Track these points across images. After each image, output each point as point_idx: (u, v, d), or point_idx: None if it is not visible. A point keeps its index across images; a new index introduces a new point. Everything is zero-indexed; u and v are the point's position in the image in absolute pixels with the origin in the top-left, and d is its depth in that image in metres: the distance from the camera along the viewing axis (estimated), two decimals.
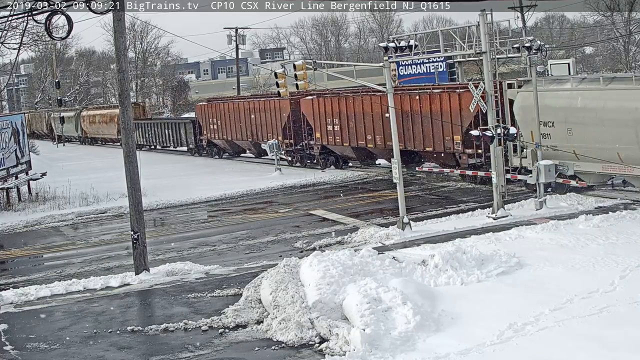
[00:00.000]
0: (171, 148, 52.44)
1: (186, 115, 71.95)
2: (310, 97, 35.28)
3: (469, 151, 26.79)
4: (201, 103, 47.33)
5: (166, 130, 51.60)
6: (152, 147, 55.27)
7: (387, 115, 23.74)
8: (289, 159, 37.88)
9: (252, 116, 40.01)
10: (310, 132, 35.93)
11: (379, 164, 34.00)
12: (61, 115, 69.85)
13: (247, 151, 43.65)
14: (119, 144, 47.52)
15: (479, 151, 26.27)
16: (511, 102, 25.01)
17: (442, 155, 28.33)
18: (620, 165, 21.75)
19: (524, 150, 24.44)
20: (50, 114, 76.29)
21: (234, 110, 42.06)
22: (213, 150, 46.29)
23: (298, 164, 37.44)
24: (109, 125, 60.64)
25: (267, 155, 37.66)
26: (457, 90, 27.08)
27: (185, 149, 49.65)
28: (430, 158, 29.62)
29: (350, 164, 35.33)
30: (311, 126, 35.60)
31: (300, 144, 36.93)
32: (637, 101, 20.87)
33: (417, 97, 28.97)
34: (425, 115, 28.11)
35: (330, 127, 34.00)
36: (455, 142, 27.23)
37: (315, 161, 36.13)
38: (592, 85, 23.12)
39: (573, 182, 23.06)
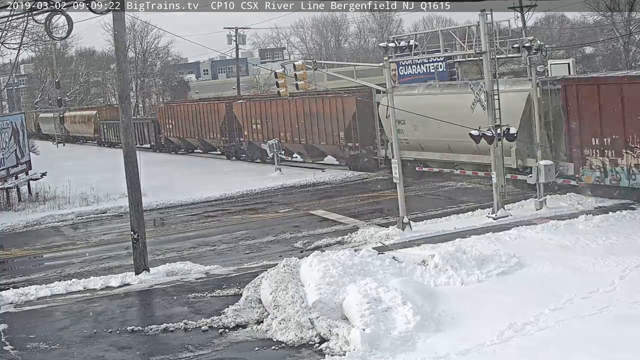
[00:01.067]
0: (137, 145, 55.75)
1: None
2: (240, 102, 43.05)
3: (350, 144, 33.70)
4: (161, 106, 54.77)
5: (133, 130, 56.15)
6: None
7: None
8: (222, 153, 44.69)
9: (198, 117, 46.78)
10: (240, 131, 42.31)
11: (296, 156, 39.26)
12: (47, 116, 78.47)
13: (197, 148, 49.51)
14: (95, 141, 64.13)
15: (357, 144, 33.23)
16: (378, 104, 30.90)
17: (333, 147, 35.09)
18: (451, 154, 27.20)
19: (387, 142, 29.71)
20: (38, 114, 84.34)
21: (184, 112, 49.07)
22: (170, 147, 52.19)
23: (233, 158, 43.55)
24: (87, 125, 67.59)
25: (215, 150, 45.95)
26: (342, 96, 34.09)
27: (148, 145, 55.14)
28: (327, 151, 36.39)
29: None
30: (241, 126, 42.04)
31: (234, 141, 43.39)
32: (461, 103, 23.98)
33: (315, 101, 35.64)
34: (320, 115, 35.02)
35: (254, 127, 40.45)
36: (340, 137, 34.00)
37: (244, 155, 42.34)
38: (431, 91, 28.68)
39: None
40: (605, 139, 21.92)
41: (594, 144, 22.25)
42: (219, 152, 46.39)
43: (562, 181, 23.27)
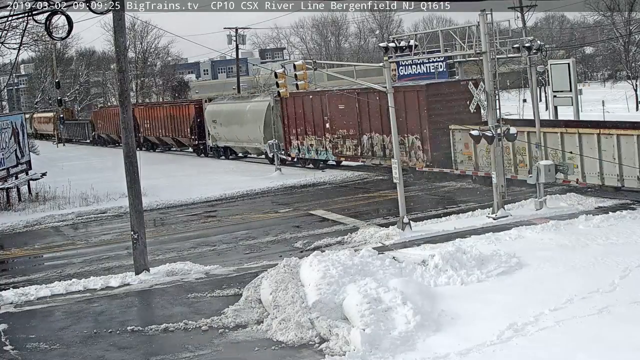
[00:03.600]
0: (79, 140, 72.90)
1: None
2: (206, 104, 47.58)
3: (193, 137, 48.07)
4: (140, 107, 59.07)
5: None
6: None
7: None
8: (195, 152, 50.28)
9: (171, 118, 51.54)
10: (208, 131, 47.18)
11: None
12: (40, 116, 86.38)
13: (173, 146, 54.03)
14: (55, 138, 74.27)
15: (195, 136, 47.86)
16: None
17: (185, 140, 49.82)
18: (240, 142, 42.29)
19: (210, 135, 45.54)
20: (32, 114, 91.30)
21: (159, 112, 53.63)
22: (148, 145, 56.33)
23: (202, 155, 48.23)
24: (49, 124, 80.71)
25: (187, 148, 51.15)
26: (191, 103, 50.11)
27: (88, 141, 66.88)
28: (184, 144, 50.77)
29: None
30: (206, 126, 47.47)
31: (202, 140, 47.91)
32: (260, 108, 39.32)
33: (172, 106, 52.11)
34: (178, 117, 49.85)
35: (215, 127, 45.92)
36: (188, 132, 48.63)
37: (211, 153, 47.01)
38: (229, 101, 45.50)
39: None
40: (299, 129, 36.33)
41: (294, 132, 36.64)
42: (191, 150, 50.71)
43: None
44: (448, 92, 27.24)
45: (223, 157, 44.97)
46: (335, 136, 33.99)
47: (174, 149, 54.16)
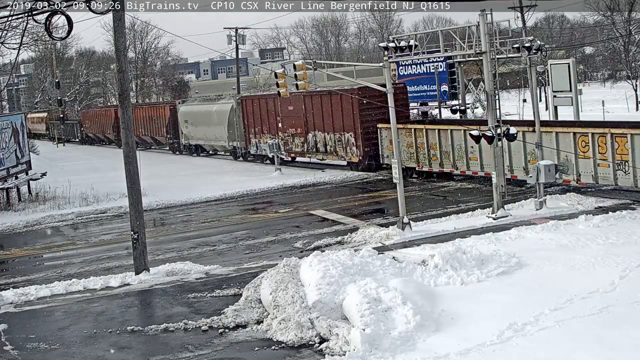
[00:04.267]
0: (68, 139, 77.21)
1: None
2: (179, 105, 50.95)
3: (169, 136, 51.64)
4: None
5: None
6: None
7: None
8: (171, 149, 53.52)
9: (149, 118, 54.90)
10: (181, 130, 50.61)
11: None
12: (34, 116, 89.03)
13: (152, 145, 57.22)
14: (47, 137, 79.97)
15: (170, 135, 51.54)
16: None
17: (162, 139, 53.48)
18: (209, 140, 46.45)
19: (182, 134, 49.65)
20: (26, 115, 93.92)
21: (139, 113, 55.31)
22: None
23: (177, 152, 51.73)
24: (42, 124, 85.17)
25: (165, 146, 54.30)
26: (166, 105, 54.44)
27: (77, 139, 72.54)
28: (161, 142, 54.27)
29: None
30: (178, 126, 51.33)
31: (176, 138, 51.05)
32: (224, 109, 43.69)
33: (150, 107, 57.06)
34: (156, 117, 53.50)
35: (187, 127, 49.57)
36: (164, 131, 52.45)
37: (185, 151, 50.44)
38: (199, 102, 50.01)
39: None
40: (257, 129, 40.47)
41: (253, 131, 40.84)
42: (167, 148, 54.10)
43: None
44: (378, 94, 27.68)
45: (195, 154, 48.86)
46: (286, 134, 37.82)
47: (154, 147, 57.19)
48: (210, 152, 47.98)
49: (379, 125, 31.50)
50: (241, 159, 42.63)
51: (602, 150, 22.48)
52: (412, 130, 29.68)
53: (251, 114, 40.81)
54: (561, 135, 23.64)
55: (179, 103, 51.53)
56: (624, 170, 21.91)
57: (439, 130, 28.55)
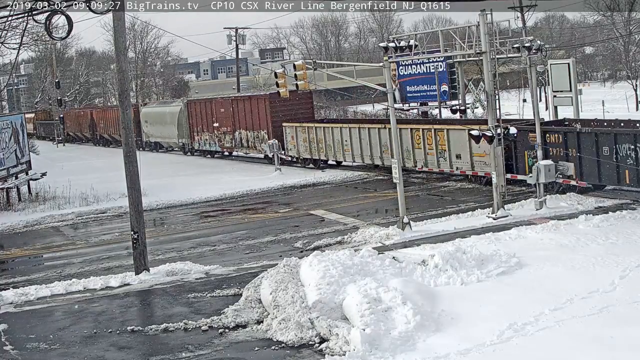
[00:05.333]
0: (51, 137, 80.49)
1: None
2: (141, 107, 56.06)
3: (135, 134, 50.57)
4: (97, 109, 70.80)
5: None
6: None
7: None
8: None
9: (117, 118, 57.60)
10: (142, 129, 55.30)
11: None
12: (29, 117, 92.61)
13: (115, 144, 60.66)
14: (35, 136, 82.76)
15: (135, 134, 50.51)
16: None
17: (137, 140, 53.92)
18: (170, 141, 51.99)
19: (145, 133, 55.10)
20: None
21: (110, 114, 62.02)
22: (103, 141, 65.96)
23: (141, 149, 50.84)
24: (29, 124, 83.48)
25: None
26: (132, 107, 51.14)
27: (60, 138, 74.40)
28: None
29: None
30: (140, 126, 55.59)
31: (139, 137, 53.90)
32: (174, 111, 49.80)
33: (118, 109, 58.22)
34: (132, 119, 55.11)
35: (147, 127, 55.19)
36: (142, 132, 55.11)
37: (147, 148, 54.48)
38: (157, 105, 56.39)
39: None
40: (199, 127, 46.62)
41: (196, 130, 47.02)
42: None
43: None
44: (285, 98, 30.93)
45: (155, 150, 54.58)
46: (220, 132, 44.38)
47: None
48: (168, 148, 53.96)
49: (284, 124, 37.86)
50: (189, 153, 49.12)
51: (429, 142, 28.73)
52: (306, 128, 36.47)
53: (195, 115, 47.24)
54: (403, 131, 28.97)
55: (141, 105, 57.76)
56: (444, 157, 27.92)
57: (324, 128, 35.33)
